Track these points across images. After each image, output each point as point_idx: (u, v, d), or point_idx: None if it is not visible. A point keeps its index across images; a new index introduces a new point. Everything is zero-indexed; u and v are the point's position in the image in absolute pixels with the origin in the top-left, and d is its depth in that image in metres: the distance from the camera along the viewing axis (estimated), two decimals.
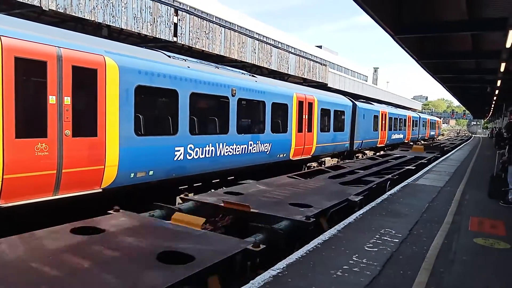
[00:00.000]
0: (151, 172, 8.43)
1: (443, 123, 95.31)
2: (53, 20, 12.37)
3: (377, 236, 5.79)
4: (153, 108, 9.45)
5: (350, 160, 18.44)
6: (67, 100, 6.74)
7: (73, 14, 10.75)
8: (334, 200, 7.39)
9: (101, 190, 7.50)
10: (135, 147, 8.05)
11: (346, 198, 7.72)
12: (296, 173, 11.28)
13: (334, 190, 8.69)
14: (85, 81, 7.13)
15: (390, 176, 11.44)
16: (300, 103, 14.69)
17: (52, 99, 6.53)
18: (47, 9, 10.12)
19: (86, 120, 7.30)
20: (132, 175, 8.00)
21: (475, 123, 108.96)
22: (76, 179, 6.95)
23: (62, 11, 10.41)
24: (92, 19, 11.30)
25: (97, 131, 7.28)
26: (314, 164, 16.98)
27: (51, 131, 6.53)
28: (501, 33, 10.91)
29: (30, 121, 6.44)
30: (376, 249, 5.20)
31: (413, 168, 14.30)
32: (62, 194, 6.84)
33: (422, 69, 19.63)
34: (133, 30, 12.62)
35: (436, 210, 7.73)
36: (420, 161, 16.72)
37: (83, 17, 11.01)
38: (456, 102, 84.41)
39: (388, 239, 5.68)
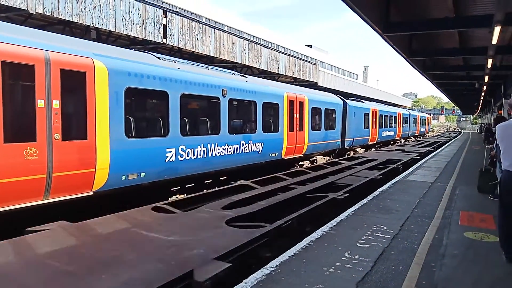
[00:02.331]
0: (142, 174, 8.40)
1: (433, 120, 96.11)
2: (40, 24, 12.26)
3: (369, 232, 5.85)
4: (144, 110, 9.41)
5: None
6: (56, 104, 6.69)
7: (61, 17, 10.66)
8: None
9: (92, 193, 7.45)
10: (126, 150, 8.01)
11: None
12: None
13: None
14: (74, 84, 7.08)
15: None
16: (291, 103, 14.74)
17: (40, 103, 6.48)
18: (34, 12, 10.03)
19: (75, 124, 7.25)
20: (123, 177, 7.96)
21: (464, 119, 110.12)
22: (67, 183, 6.90)
23: (49, 14, 10.32)
24: (80, 22, 11.22)
25: (87, 134, 7.23)
26: (306, 162, 17.05)
27: (40, 135, 6.47)
28: (487, 30, 11.07)
29: (19, 125, 6.37)
30: (368, 245, 5.25)
31: None
32: (52, 198, 6.79)
33: (411, 66, 19.82)
34: (122, 32, 12.56)
35: (427, 205, 7.82)
36: None
37: (71, 20, 10.93)
38: (445, 99, 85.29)
39: (380, 235, 5.73)
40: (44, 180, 6.54)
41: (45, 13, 10.23)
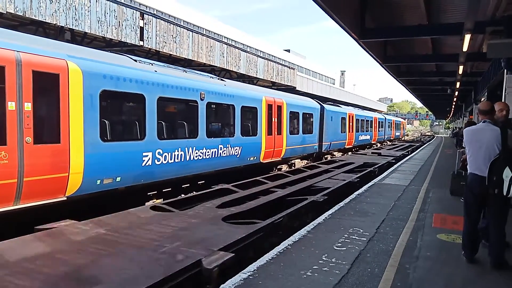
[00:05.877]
0: (118, 179, 8.24)
1: (408, 124, 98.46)
2: (11, 23, 11.88)
3: (346, 235, 5.91)
4: (120, 113, 9.25)
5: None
6: (28, 106, 6.49)
7: (33, 17, 10.38)
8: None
9: (65, 198, 7.25)
10: (101, 153, 7.85)
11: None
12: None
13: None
14: (47, 86, 6.89)
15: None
16: (270, 106, 14.80)
17: (11, 105, 6.27)
18: (5, 12, 9.73)
19: (48, 127, 7.05)
20: (98, 182, 7.78)
21: (437, 123, 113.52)
22: (39, 187, 6.69)
23: (21, 14, 10.02)
24: (54, 23, 10.95)
25: (60, 137, 7.04)
26: (284, 166, 17.12)
27: (11, 138, 6.26)
28: (458, 37, 11.46)
29: None
30: (344, 248, 5.30)
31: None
32: (23, 204, 6.57)
33: (387, 72, 20.27)
34: (98, 34, 12.33)
35: (401, 208, 7.97)
36: None
37: (44, 20, 10.64)
38: (419, 104, 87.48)
39: (356, 238, 5.80)
40: (15, 185, 6.32)
41: (17, 13, 9.93)
